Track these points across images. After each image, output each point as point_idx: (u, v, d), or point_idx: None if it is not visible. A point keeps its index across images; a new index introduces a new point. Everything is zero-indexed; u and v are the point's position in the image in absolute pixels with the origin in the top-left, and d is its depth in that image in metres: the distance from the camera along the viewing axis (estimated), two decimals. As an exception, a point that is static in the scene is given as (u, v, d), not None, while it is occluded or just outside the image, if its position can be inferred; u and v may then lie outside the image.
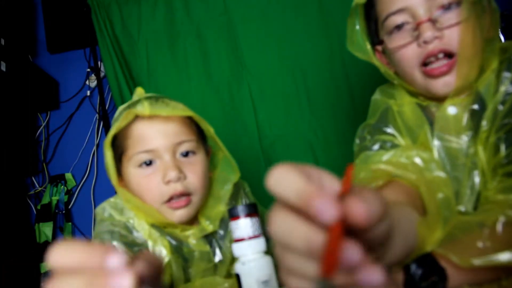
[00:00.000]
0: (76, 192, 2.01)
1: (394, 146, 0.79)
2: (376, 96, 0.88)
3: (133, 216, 0.81)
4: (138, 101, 0.81)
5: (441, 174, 0.68)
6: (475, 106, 0.73)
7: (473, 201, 0.74)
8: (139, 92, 0.89)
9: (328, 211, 0.25)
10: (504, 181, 0.63)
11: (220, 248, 0.87)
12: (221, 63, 1.71)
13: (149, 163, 0.79)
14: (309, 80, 1.64)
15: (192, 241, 0.83)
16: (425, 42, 0.72)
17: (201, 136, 0.87)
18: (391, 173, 0.68)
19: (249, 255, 0.56)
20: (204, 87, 1.71)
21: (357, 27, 0.81)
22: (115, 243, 0.75)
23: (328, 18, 1.61)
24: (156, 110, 0.78)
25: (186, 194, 0.80)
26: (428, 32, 0.70)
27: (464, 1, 0.70)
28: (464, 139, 0.74)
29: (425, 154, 0.70)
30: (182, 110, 0.81)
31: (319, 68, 1.62)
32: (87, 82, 2.07)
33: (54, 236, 1.94)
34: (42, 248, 1.90)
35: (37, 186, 2.03)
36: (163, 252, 0.78)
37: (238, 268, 0.56)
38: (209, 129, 0.85)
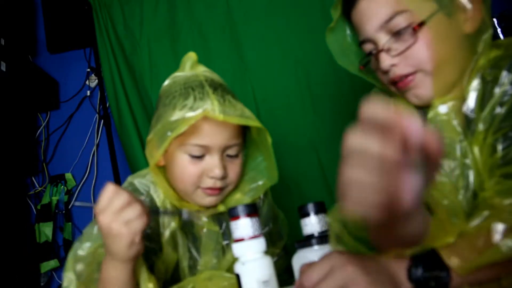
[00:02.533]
0: (76, 192, 2.01)
1: None
2: (374, 93, 0.91)
3: (150, 183, 0.87)
4: (203, 90, 0.80)
5: (444, 179, 0.69)
6: (464, 106, 0.74)
7: (467, 200, 0.75)
8: (193, 58, 0.88)
9: (416, 127, 0.36)
10: (502, 183, 0.63)
11: (230, 231, 0.88)
12: (223, 62, 1.71)
13: (198, 156, 0.82)
14: (312, 79, 1.63)
15: (204, 219, 0.87)
16: (384, 72, 0.76)
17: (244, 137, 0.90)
18: None
19: (249, 255, 0.56)
20: (206, 86, 1.71)
21: (349, 39, 0.85)
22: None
23: (330, 16, 1.60)
24: (228, 117, 0.77)
25: (222, 188, 0.85)
26: (384, 62, 0.74)
27: (410, 25, 0.70)
28: (457, 138, 0.75)
29: None
30: (250, 118, 0.82)
31: (322, 67, 1.62)
32: (87, 82, 2.07)
33: (54, 236, 1.94)
34: (42, 248, 1.90)
35: (37, 186, 2.03)
36: (172, 223, 0.84)
37: (238, 268, 0.56)
38: (268, 140, 0.87)
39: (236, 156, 0.86)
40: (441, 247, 0.54)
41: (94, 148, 2.02)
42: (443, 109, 0.75)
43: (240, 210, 0.57)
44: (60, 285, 1.86)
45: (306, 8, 1.65)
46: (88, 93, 2.06)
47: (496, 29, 1.59)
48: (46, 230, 1.91)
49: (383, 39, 0.74)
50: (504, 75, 0.70)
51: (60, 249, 1.95)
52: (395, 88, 0.78)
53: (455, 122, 0.75)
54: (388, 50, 0.74)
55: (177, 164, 0.83)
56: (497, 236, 0.55)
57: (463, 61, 0.73)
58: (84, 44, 1.98)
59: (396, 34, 0.72)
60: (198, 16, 1.75)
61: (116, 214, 0.63)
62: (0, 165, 1.72)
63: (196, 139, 0.80)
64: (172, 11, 1.77)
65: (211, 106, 0.77)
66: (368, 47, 0.78)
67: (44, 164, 2.04)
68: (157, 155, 0.79)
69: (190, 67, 0.87)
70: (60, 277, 1.93)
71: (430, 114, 0.76)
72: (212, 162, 0.82)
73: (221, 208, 0.88)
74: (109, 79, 1.78)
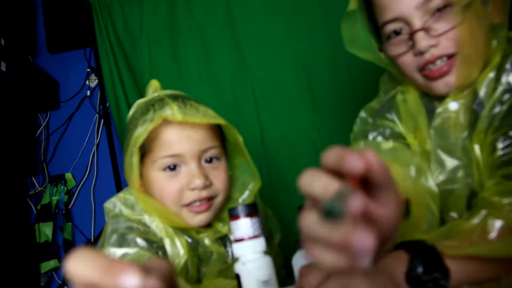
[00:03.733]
0: (76, 192, 2.01)
1: (393, 133, 0.82)
2: (385, 77, 0.89)
3: (144, 213, 0.80)
4: (163, 101, 0.78)
5: (432, 186, 0.70)
6: (475, 103, 0.73)
7: (466, 197, 0.75)
8: (155, 85, 0.85)
9: (357, 162, 0.33)
10: (503, 184, 0.63)
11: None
12: (223, 62, 1.71)
13: (173, 168, 0.78)
14: (312, 78, 1.63)
15: (208, 242, 0.83)
16: (421, 53, 0.71)
17: (223, 140, 0.86)
18: None
19: (249, 255, 0.56)
20: (206, 85, 1.70)
21: (358, 26, 0.80)
22: (138, 239, 0.74)
23: (330, 16, 1.61)
24: (188, 117, 0.75)
25: (210, 198, 0.80)
26: (422, 42, 0.70)
27: (456, 4, 0.68)
28: (461, 136, 0.74)
29: (419, 162, 0.72)
30: (213, 117, 0.79)
31: (322, 66, 1.61)
32: (87, 82, 2.07)
33: (54, 236, 1.94)
34: (42, 248, 1.90)
35: (37, 186, 2.03)
36: (180, 251, 0.77)
37: (238, 268, 0.56)
38: (238, 138, 0.83)
39: (217, 159, 0.81)
40: (437, 241, 0.55)
41: (94, 148, 2.02)
42: (453, 106, 0.74)
43: (240, 210, 0.57)
44: (60, 285, 1.87)
45: (306, 7, 1.64)
46: (88, 93, 2.06)
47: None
48: (46, 230, 1.91)
49: (420, 18, 0.70)
50: (506, 72, 0.69)
51: (60, 249, 1.95)
52: (421, 76, 0.74)
53: (462, 119, 0.73)
54: (427, 30, 0.70)
55: (155, 186, 0.79)
56: (493, 234, 0.55)
57: (487, 54, 0.72)
58: (84, 44, 1.98)
59: (436, 14, 0.69)
60: (198, 16, 1.75)
61: None
62: (0, 165, 1.72)
63: (165, 150, 0.77)
64: (172, 10, 1.77)
65: (170, 111, 0.75)
66: (395, 26, 0.74)
67: (44, 164, 2.04)
68: (134, 176, 0.76)
69: (153, 92, 0.84)
70: (60, 277, 1.93)
71: (439, 109, 0.75)
72: (190, 172, 0.77)
73: (224, 230, 0.84)
74: (109, 79, 1.78)
